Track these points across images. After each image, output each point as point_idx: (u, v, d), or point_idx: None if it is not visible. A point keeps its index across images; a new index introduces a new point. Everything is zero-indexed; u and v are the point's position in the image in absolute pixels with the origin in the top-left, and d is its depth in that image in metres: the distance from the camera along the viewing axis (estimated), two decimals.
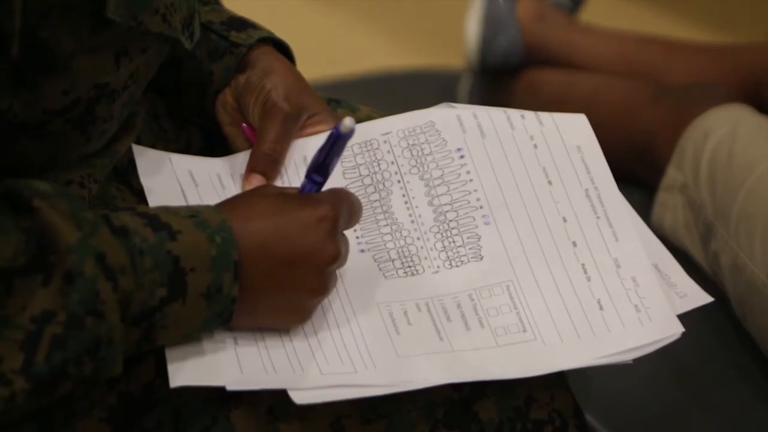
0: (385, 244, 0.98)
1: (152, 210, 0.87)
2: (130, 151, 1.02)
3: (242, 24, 1.07)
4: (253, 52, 1.04)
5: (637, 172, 1.43)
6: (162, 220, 0.85)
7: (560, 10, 1.73)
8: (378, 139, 1.02)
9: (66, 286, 0.79)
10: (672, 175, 1.38)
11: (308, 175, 0.90)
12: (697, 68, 1.56)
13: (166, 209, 0.87)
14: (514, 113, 1.02)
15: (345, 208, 0.91)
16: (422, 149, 1.01)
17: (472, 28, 1.70)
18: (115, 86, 0.91)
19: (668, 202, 1.37)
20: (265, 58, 1.05)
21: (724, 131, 1.33)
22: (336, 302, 0.94)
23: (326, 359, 0.90)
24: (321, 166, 0.90)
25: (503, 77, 1.70)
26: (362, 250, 0.97)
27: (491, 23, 1.68)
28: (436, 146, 1.01)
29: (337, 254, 0.90)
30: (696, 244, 1.32)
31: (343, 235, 0.92)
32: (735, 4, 2.63)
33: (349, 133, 0.88)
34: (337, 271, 0.93)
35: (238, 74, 1.04)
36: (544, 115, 1.02)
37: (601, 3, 2.21)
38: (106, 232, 0.82)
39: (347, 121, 0.87)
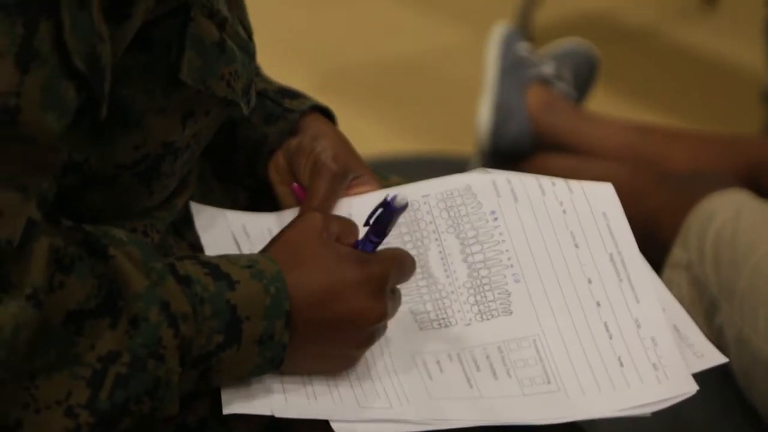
0: (421, 297, 1.05)
1: (213, 260, 0.94)
2: (184, 207, 1.09)
3: (293, 93, 1.15)
4: (304, 118, 1.13)
5: (643, 250, 1.51)
6: (222, 270, 0.92)
7: (567, 99, 1.83)
8: (418, 200, 1.09)
9: (131, 329, 0.86)
10: (677, 254, 1.45)
11: (367, 235, 0.98)
12: (698, 157, 1.65)
13: (227, 259, 0.94)
14: (545, 180, 1.10)
15: (396, 268, 0.98)
16: (459, 210, 1.09)
17: (484, 114, 1.79)
18: (180, 145, 0.98)
19: (673, 279, 1.45)
20: (315, 124, 1.13)
21: (728, 213, 1.41)
22: (375, 350, 1.01)
23: (365, 394, 0.97)
24: (378, 230, 0.97)
25: (512, 162, 1.78)
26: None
27: (502, 111, 1.77)
28: (472, 208, 1.09)
29: (382, 315, 0.96)
30: (700, 319, 1.39)
31: (396, 290, 0.99)
32: (723, 103, 2.73)
33: (402, 208, 0.95)
34: None
35: (290, 137, 1.12)
36: (574, 183, 1.10)
37: (600, 98, 2.31)
38: (171, 281, 0.89)
39: (400, 198, 0.95)
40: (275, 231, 1.08)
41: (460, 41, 3.08)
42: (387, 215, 0.96)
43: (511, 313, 1.05)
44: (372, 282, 0.95)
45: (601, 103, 2.27)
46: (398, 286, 1.01)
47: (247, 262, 0.94)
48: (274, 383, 0.96)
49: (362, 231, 1.00)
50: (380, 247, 0.98)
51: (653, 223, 1.52)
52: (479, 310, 1.05)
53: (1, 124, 0.79)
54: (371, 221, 0.97)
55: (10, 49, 0.79)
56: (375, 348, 1.01)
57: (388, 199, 0.95)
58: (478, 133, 1.80)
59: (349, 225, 1.00)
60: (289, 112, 1.13)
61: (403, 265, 0.98)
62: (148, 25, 0.91)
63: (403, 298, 1.04)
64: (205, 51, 0.95)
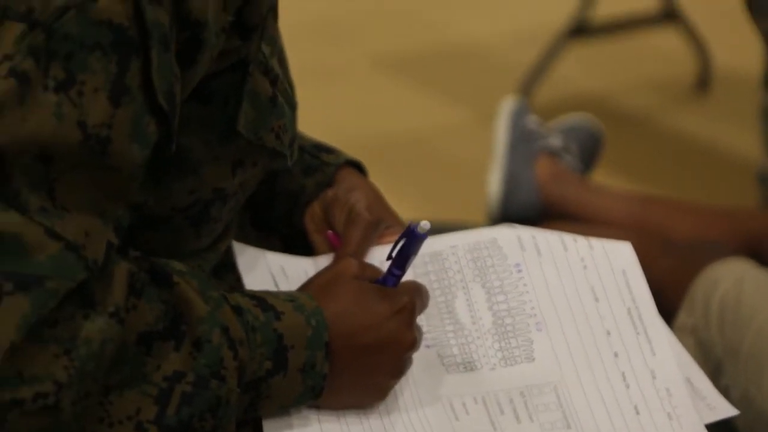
0: (448, 341, 1.10)
1: (258, 293, 1.00)
2: (226, 251, 1.15)
3: (328, 148, 1.22)
4: (339, 172, 1.19)
5: None
6: (268, 302, 0.98)
7: (574, 171, 1.89)
8: (446, 251, 1.15)
9: (195, 351, 0.91)
10: (683, 318, 1.51)
11: (389, 269, 1.04)
12: (700, 227, 1.71)
13: (269, 293, 1.00)
14: (567, 237, 1.16)
15: (419, 300, 1.04)
16: (485, 262, 1.15)
17: (494, 184, 1.85)
18: (229, 192, 1.04)
19: (680, 342, 1.50)
20: (350, 177, 1.19)
21: (731, 280, 1.47)
22: (406, 391, 1.06)
23: (393, 427, 1.03)
24: (400, 261, 1.03)
25: None
26: (428, 346, 1.10)
27: (512, 180, 1.84)
28: (498, 260, 1.15)
29: (414, 342, 1.02)
30: None
31: (416, 323, 1.05)
32: (717, 186, 2.79)
33: (425, 234, 1.02)
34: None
35: (326, 189, 1.18)
36: (594, 241, 1.16)
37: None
38: (227, 308, 0.95)
39: (423, 223, 1.01)
40: (311, 273, 1.13)
41: (459, 120, 3.15)
42: (411, 243, 1.02)
43: (533, 359, 1.10)
44: (403, 312, 1.02)
45: (601, 183, 2.33)
46: (427, 330, 1.07)
47: (289, 297, 1.00)
48: (311, 414, 1.01)
49: (384, 266, 1.06)
50: None
51: (659, 289, 1.57)
52: (503, 356, 1.10)
53: (92, 153, 0.86)
54: (394, 252, 1.03)
55: (105, 85, 0.86)
56: (405, 389, 1.06)
57: (411, 226, 1.01)
58: (488, 201, 1.86)
59: (376, 269, 1.06)
60: (326, 165, 1.19)
61: (423, 295, 1.05)
62: (209, 79, 0.98)
63: (431, 341, 1.09)
64: (259, 105, 1.02)
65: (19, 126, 0.83)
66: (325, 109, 3.12)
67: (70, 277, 0.85)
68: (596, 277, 1.14)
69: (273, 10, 1.02)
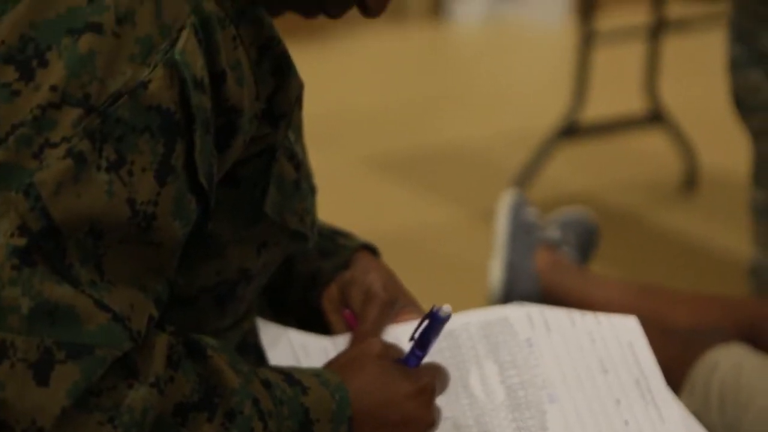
0: (464, 413, 1.15)
1: (285, 368, 1.04)
2: (247, 332, 1.20)
3: (343, 232, 1.27)
4: (355, 254, 1.24)
5: None
6: (295, 377, 1.01)
7: (572, 262, 1.95)
8: (460, 329, 1.20)
9: (227, 422, 0.94)
10: (685, 402, 1.56)
11: (412, 350, 1.08)
12: (698, 315, 1.76)
13: (295, 368, 1.04)
14: (575, 313, 1.21)
15: (439, 381, 1.08)
16: (497, 338, 1.19)
17: (495, 273, 1.91)
18: (253, 272, 1.09)
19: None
20: (365, 259, 1.24)
21: (730, 364, 1.52)
22: None
23: None
24: (422, 343, 1.08)
25: None
26: (445, 417, 1.14)
27: (512, 270, 1.89)
28: (509, 336, 1.19)
29: (433, 422, 1.06)
30: None
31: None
32: (706, 284, 2.84)
33: (447, 318, 1.07)
34: None
35: (343, 271, 1.23)
36: (601, 316, 1.21)
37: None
38: (257, 382, 0.98)
39: (445, 307, 1.06)
40: (330, 351, 1.18)
41: (452, 219, 3.19)
42: (433, 326, 1.06)
43: (547, 430, 1.14)
44: (424, 393, 1.05)
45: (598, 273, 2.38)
46: (444, 403, 1.11)
47: (314, 372, 1.03)
48: None
49: (403, 342, 1.10)
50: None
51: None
52: (517, 427, 1.14)
53: (138, 229, 0.91)
54: (416, 335, 1.07)
55: (152, 165, 0.91)
56: None
57: (434, 310, 1.06)
58: (489, 289, 1.92)
59: (399, 350, 1.10)
60: (342, 248, 1.24)
61: (443, 376, 1.08)
62: (239, 164, 1.03)
63: (448, 414, 1.12)
64: (284, 188, 1.07)
65: (75, 203, 0.88)
66: (321, 210, 3.17)
67: (117, 346, 0.89)
68: (604, 349, 1.19)
69: (299, 100, 1.07)
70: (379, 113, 3.92)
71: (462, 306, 1.23)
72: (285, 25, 1.09)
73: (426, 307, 1.10)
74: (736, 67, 1.91)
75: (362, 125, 3.80)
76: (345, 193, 3.21)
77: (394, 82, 4.29)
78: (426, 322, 1.07)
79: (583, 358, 1.18)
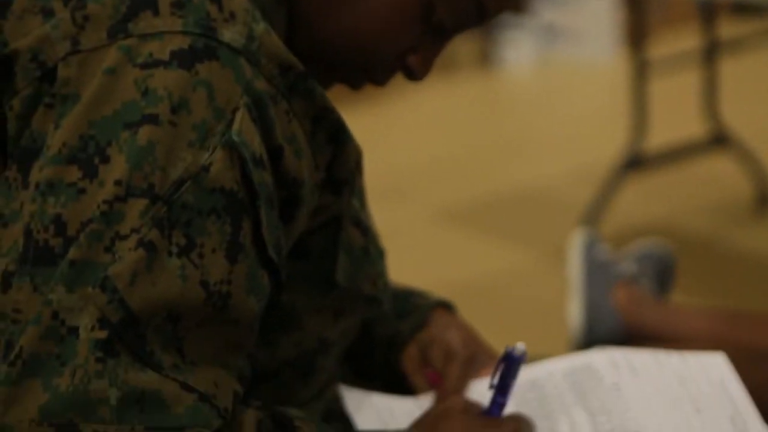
0: None
1: (373, 431, 1.04)
2: (332, 399, 1.20)
3: (417, 291, 1.27)
4: (431, 313, 1.24)
5: None
6: None
7: (651, 294, 1.93)
8: (544, 378, 1.19)
9: None
10: None
11: (493, 398, 1.07)
12: None
13: (382, 431, 1.05)
14: (660, 354, 1.19)
15: (524, 429, 1.07)
16: (583, 384, 1.18)
17: (575, 315, 1.90)
18: (331, 341, 1.10)
19: None
20: (442, 317, 1.24)
21: None
22: None
23: None
24: (502, 388, 1.07)
25: None
26: None
27: (592, 310, 1.88)
28: (595, 382, 1.18)
29: None
30: None
31: None
32: None
33: (522, 356, 1.06)
34: None
35: (421, 330, 1.23)
36: (688, 355, 1.19)
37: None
38: None
39: (519, 345, 1.05)
40: (415, 412, 1.17)
41: (525, 262, 3.19)
42: (510, 367, 1.05)
43: None
44: None
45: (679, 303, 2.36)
46: None
47: (400, 431, 1.04)
48: None
49: (487, 396, 1.08)
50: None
51: (755, 403, 1.59)
52: None
53: (215, 309, 0.92)
54: (495, 381, 1.06)
55: (222, 245, 0.92)
56: None
57: (508, 350, 1.05)
58: (570, 332, 1.90)
59: (481, 406, 1.09)
60: (418, 308, 1.24)
61: (527, 425, 1.07)
62: (306, 235, 1.04)
63: None
64: (354, 255, 1.08)
65: (151, 291, 0.89)
66: (393, 265, 3.18)
67: (207, 425, 0.90)
68: (695, 389, 1.17)
69: (358, 166, 1.08)
70: (441, 165, 3.93)
71: (544, 349, 1.22)
72: (340, 89, 1.10)
73: None
74: None
75: (426, 178, 3.82)
76: (416, 247, 3.22)
77: (452, 133, 4.31)
78: (502, 366, 1.06)
79: (675, 400, 1.16)
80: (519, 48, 4.98)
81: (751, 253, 3.14)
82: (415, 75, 1.05)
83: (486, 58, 4.99)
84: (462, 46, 4.86)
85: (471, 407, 1.07)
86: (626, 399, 1.17)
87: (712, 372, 1.18)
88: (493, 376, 1.07)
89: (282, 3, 1.01)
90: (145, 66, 0.92)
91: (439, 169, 3.90)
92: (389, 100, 4.44)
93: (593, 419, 1.16)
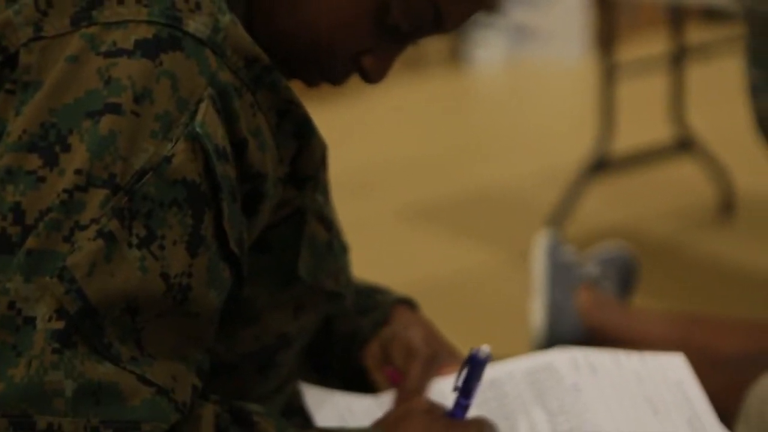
0: None
1: (332, 429, 1.04)
2: (291, 395, 1.19)
3: (379, 288, 1.27)
4: (394, 310, 1.23)
5: None
6: None
7: (613, 297, 1.94)
8: (504, 377, 1.18)
9: None
10: None
11: (457, 400, 1.07)
12: (746, 342, 1.74)
13: (342, 429, 1.04)
14: (620, 354, 1.19)
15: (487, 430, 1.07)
16: (543, 384, 1.18)
17: (537, 316, 1.90)
18: (292, 336, 1.09)
19: None
20: (404, 314, 1.24)
21: None
22: None
23: None
24: (465, 390, 1.07)
25: None
26: None
27: (554, 311, 1.88)
28: (555, 382, 1.18)
29: None
30: None
31: None
32: (747, 309, 2.82)
33: (487, 359, 1.05)
34: None
35: (383, 327, 1.22)
36: (647, 355, 1.19)
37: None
38: None
39: (483, 348, 1.05)
40: (375, 410, 1.17)
41: (490, 261, 3.19)
42: (474, 369, 1.05)
43: None
44: None
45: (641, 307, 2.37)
46: None
47: (361, 429, 1.03)
48: None
49: (448, 395, 1.08)
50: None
51: (713, 405, 1.60)
52: None
53: (174, 302, 0.91)
54: (459, 383, 1.06)
55: (183, 237, 0.91)
56: None
57: (473, 353, 1.05)
58: (531, 332, 1.90)
59: (444, 408, 1.07)
60: (380, 304, 1.23)
61: (491, 429, 1.07)
62: (269, 229, 1.03)
63: None
64: (317, 250, 1.07)
65: (109, 282, 0.88)
66: (357, 261, 3.17)
67: (164, 419, 0.89)
68: (653, 390, 1.17)
69: (323, 161, 1.07)
70: (409, 162, 3.93)
71: (506, 349, 1.21)
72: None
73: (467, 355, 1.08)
74: (755, 91, 1.90)
75: (393, 176, 3.81)
76: (381, 244, 3.22)
77: (420, 131, 4.31)
78: (467, 368, 1.06)
79: (633, 400, 1.17)
80: (489, 47, 4.98)
81: (714, 258, 3.15)
82: (369, 77, 1.04)
83: (456, 56, 4.99)
84: (432, 43, 4.86)
85: (434, 408, 1.06)
86: (585, 399, 1.17)
87: (671, 373, 1.18)
88: (457, 378, 1.06)
89: None
90: (108, 54, 0.91)
91: (407, 167, 3.89)
92: (357, 96, 4.43)
93: (552, 419, 1.16)
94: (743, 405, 1.55)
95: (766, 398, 1.52)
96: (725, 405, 1.58)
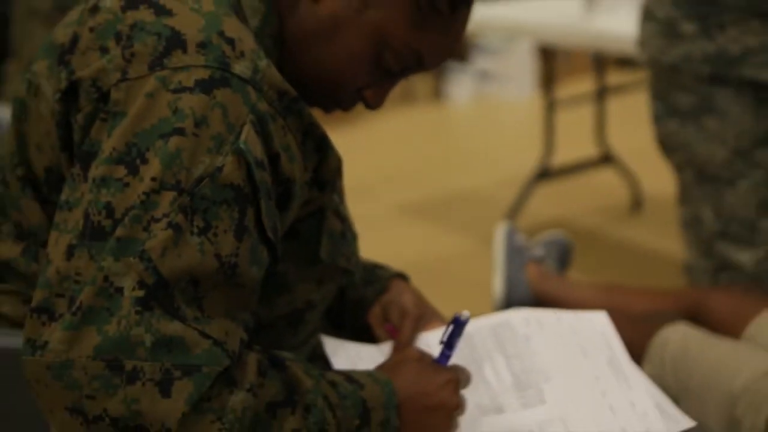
0: (482, 396, 1.12)
1: (345, 371, 1.01)
2: (315, 346, 1.18)
3: (380, 265, 1.26)
4: (390, 281, 1.23)
5: None
6: (353, 377, 1.00)
7: (554, 272, 1.92)
8: (473, 331, 1.18)
9: (306, 414, 0.93)
10: (646, 369, 1.52)
11: (442, 351, 1.06)
12: (652, 304, 1.73)
13: (353, 371, 1.01)
14: (560, 312, 1.19)
15: (463, 376, 1.06)
16: (502, 336, 1.17)
17: (497, 287, 1.88)
18: (316, 302, 1.08)
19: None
20: (398, 285, 1.23)
21: (677, 337, 1.49)
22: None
23: None
24: (449, 344, 1.05)
25: None
26: (469, 401, 1.12)
27: (510, 283, 1.87)
28: (511, 334, 1.17)
29: (459, 405, 1.03)
30: None
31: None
32: (654, 282, 2.81)
33: (467, 320, 1.04)
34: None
35: (382, 295, 1.22)
36: (580, 313, 1.19)
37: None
38: (324, 382, 0.96)
39: (465, 313, 1.04)
40: (378, 356, 1.16)
41: (463, 245, 3.18)
42: (457, 328, 1.04)
43: (545, 402, 1.12)
44: (452, 383, 1.03)
45: (575, 279, 2.35)
46: (467, 391, 1.09)
47: (367, 373, 1.01)
48: None
49: (433, 345, 1.08)
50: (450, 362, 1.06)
51: (628, 350, 1.59)
52: (522, 402, 1.12)
53: (225, 276, 0.90)
54: (444, 337, 1.05)
55: (231, 227, 0.90)
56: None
57: (456, 316, 1.04)
58: (493, 299, 1.89)
59: (431, 356, 1.06)
60: (380, 278, 1.23)
61: (466, 372, 1.06)
62: (297, 222, 1.02)
63: (469, 396, 1.11)
64: (334, 238, 1.06)
65: (177, 261, 0.88)
66: (363, 246, 3.15)
67: (219, 363, 0.88)
68: (583, 338, 1.17)
69: (339, 171, 1.06)
70: (401, 172, 3.92)
71: (474, 311, 1.20)
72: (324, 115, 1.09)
73: (447, 317, 1.07)
74: (657, 118, 1.93)
75: (389, 181, 3.80)
76: (380, 233, 3.21)
77: (410, 148, 4.30)
78: (451, 327, 1.05)
79: (568, 346, 1.16)
80: (461, 86, 4.97)
81: (627, 243, 3.15)
82: (370, 105, 1.04)
83: (437, 93, 4.98)
84: (419, 83, 4.86)
85: (423, 356, 1.05)
86: (534, 346, 1.16)
87: (597, 326, 1.18)
88: (443, 335, 1.05)
89: (278, 45, 1.00)
90: (175, 91, 0.91)
91: (399, 175, 3.89)
92: (363, 122, 4.43)
93: (509, 362, 1.15)
94: (648, 350, 1.54)
95: (664, 344, 1.51)
96: (636, 350, 1.57)
